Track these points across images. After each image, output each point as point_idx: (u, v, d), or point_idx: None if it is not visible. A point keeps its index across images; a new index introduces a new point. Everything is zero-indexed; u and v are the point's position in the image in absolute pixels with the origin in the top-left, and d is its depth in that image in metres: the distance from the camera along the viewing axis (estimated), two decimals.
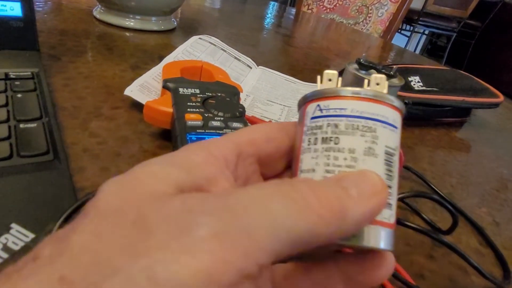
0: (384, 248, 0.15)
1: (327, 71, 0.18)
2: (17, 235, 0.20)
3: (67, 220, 0.20)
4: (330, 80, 0.18)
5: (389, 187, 0.15)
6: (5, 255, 0.19)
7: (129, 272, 0.10)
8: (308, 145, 0.16)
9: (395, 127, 0.16)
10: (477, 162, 0.48)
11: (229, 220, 0.11)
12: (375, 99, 0.16)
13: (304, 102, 0.18)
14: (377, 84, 0.17)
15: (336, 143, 0.15)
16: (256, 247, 0.11)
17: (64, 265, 0.10)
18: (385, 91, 0.17)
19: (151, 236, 0.11)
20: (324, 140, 0.16)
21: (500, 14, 3.05)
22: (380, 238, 0.15)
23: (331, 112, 0.16)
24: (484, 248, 0.32)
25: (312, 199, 0.13)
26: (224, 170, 0.15)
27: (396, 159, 0.16)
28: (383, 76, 0.17)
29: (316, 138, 0.16)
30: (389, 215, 0.15)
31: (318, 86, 0.18)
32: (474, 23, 3.19)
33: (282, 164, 0.18)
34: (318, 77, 0.19)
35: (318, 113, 0.16)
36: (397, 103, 0.17)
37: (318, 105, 0.17)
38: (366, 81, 0.18)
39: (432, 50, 3.93)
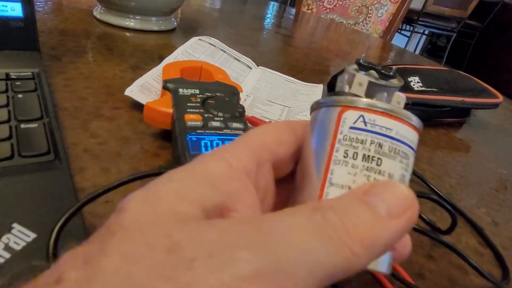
0: (386, 272, 0.15)
1: (359, 75, 0.17)
2: (19, 235, 0.20)
3: (67, 221, 0.20)
4: (360, 85, 0.17)
5: None
6: (7, 255, 0.19)
7: None
8: (345, 157, 0.15)
9: (415, 151, 0.16)
10: (476, 162, 0.48)
11: (269, 257, 0.11)
12: (414, 125, 0.16)
13: (340, 105, 0.16)
14: (398, 102, 0.17)
15: (378, 165, 0.15)
16: (293, 285, 0.11)
17: None
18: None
19: (191, 269, 0.10)
20: (366, 158, 0.15)
21: (500, 14, 3.05)
22: (385, 262, 0.15)
23: (377, 129, 0.15)
24: (483, 248, 0.32)
25: (345, 234, 0.12)
26: (246, 184, 0.15)
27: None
28: (404, 96, 0.17)
29: (356, 153, 0.15)
30: None
31: (345, 87, 0.17)
32: (474, 23, 3.19)
33: (290, 167, 0.18)
34: (345, 76, 0.17)
35: (361, 125, 0.15)
36: (422, 126, 0.16)
37: (362, 116, 0.15)
38: (384, 95, 0.17)
39: (432, 50, 3.93)
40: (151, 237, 0.11)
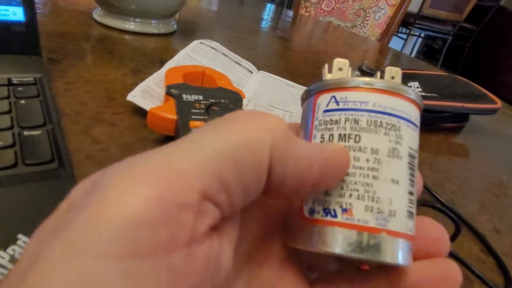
0: (403, 264, 0.14)
1: (338, 59, 0.16)
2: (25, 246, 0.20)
3: None
4: (340, 69, 0.16)
5: (411, 193, 0.14)
6: (13, 267, 0.19)
7: (47, 256, 0.10)
8: (321, 142, 0.14)
9: (417, 126, 0.15)
10: (476, 168, 0.48)
11: (144, 161, 0.11)
12: (399, 93, 0.14)
13: (314, 92, 0.15)
14: (392, 77, 0.15)
15: (356, 141, 0.14)
16: (180, 175, 0.11)
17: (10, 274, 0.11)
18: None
19: (67, 214, 0.11)
20: (342, 137, 0.14)
21: (496, 18, 3.08)
22: (399, 252, 0.13)
23: (350, 105, 0.14)
24: (486, 255, 0.32)
25: (245, 120, 0.13)
26: None
27: (417, 163, 0.15)
28: (398, 68, 0.15)
29: (331, 135, 0.14)
30: (411, 226, 0.14)
31: (326, 75, 0.16)
32: (470, 27, 3.21)
33: None
34: (326, 66, 0.17)
35: (333, 106, 0.14)
36: (418, 99, 0.15)
37: (334, 97, 0.15)
38: (378, 74, 0.16)
39: (427, 53, 3.95)
40: (60, 208, 0.13)
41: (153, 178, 0.11)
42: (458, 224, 0.29)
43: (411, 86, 0.56)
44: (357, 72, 0.43)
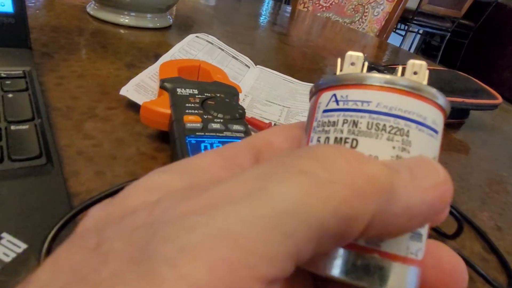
0: None
1: (351, 53, 0.14)
2: (9, 246, 0.19)
3: (60, 230, 0.19)
4: (353, 64, 0.14)
5: None
6: None
7: None
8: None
9: (435, 131, 0.13)
10: (476, 164, 0.48)
11: (204, 225, 0.09)
12: (412, 91, 0.12)
13: (317, 90, 0.14)
14: (415, 73, 0.13)
15: (353, 147, 0.12)
16: (248, 256, 0.08)
17: None
18: (425, 83, 0.13)
19: (104, 266, 0.09)
20: (338, 141, 0.12)
21: (494, 15, 3.07)
22: (392, 277, 0.11)
23: (350, 105, 0.12)
24: (488, 253, 0.32)
25: (342, 167, 0.10)
26: (233, 169, 0.13)
27: None
28: (424, 63, 0.13)
29: (327, 138, 0.13)
30: (417, 249, 0.12)
31: (337, 72, 0.14)
32: (468, 23, 3.21)
33: None
34: (339, 60, 0.14)
35: (333, 105, 0.13)
36: (441, 99, 0.13)
37: (334, 95, 0.13)
38: (399, 69, 0.14)
39: (426, 49, 3.95)
40: (83, 239, 0.10)
41: (216, 261, 0.08)
42: (461, 221, 0.29)
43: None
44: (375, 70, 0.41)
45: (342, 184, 0.09)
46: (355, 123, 0.12)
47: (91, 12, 0.62)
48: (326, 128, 0.13)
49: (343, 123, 0.12)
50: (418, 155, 0.12)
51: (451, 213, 0.30)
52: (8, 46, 0.36)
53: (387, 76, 0.12)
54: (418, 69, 0.13)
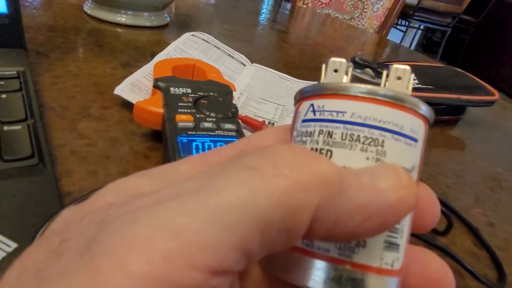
0: None
1: (333, 59, 0.14)
2: None
3: None
4: (336, 71, 0.14)
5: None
6: None
7: None
8: None
9: (414, 139, 0.12)
10: (471, 161, 0.48)
11: (147, 219, 0.09)
12: (387, 100, 0.12)
13: (299, 98, 0.14)
14: (398, 78, 0.13)
15: (327, 157, 0.12)
16: (189, 247, 0.09)
17: None
18: (409, 88, 0.13)
19: (57, 263, 0.09)
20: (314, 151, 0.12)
21: (495, 10, 3.05)
22: None
23: (326, 116, 0.12)
24: (479, 249, 0.32)
25: (287, 164, 0.10)
26: None
27: None
28: (407, 67, 0.13)
29: None
30: (393, 259, 0.12)
31: (322, 79, 0.14)
32: (469, 19, 3.19)
33: None
34: (323, 66, 0.14)
35: (310, 116, 0.13)
36: (421, 107, 0.12)
37: (312, 105, 0.13)
38: (384, 74, 0.13)
39: (427, 45, 3.93)
40: (47, 240, 0.10)
41: (153, 251, 0.09)
42: (450, 217, 0.29)
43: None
44: (350, 64, 0.41)
45: (286, 177, 0.10)
46: (329, 134, 0.12)
47: (88, 11, 0.62)
48: (304, 139, 0.13)
49: (319, 133, 0.12)
50: (384, 163, 0.12)
51: (441, 209, 0.30)
52: (2, 46, 0.36)
53: (362, 86, 0.12)
54: (402, 74, 0.13)
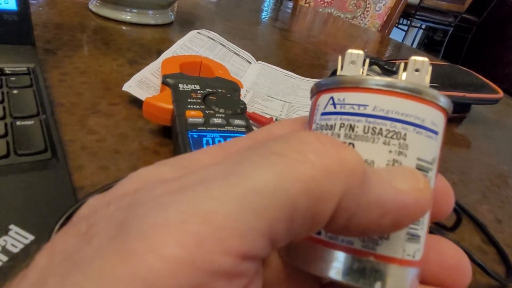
0: None
1: (350, 51, 0.14)
2: (16, 237, 0.19)
3: (67, 221, 0.20)
4: (353, 63, 0.14)
5: None
6: (4, 258, 0.19)
7: None
8: None
9: (435, 132, 0.12)
10: (477, 158, 0.48)
11: (178, 203, 0.09)
12: (409, 93, 0.12)
13: (316, 91, 0.14)
14: (417, 70, 0.13)
15: None
16: (218, 232, 0.09)
17: None
18: (427, 80, 0.13)
19: (88, 246, 0.09)
20: None
21: (497, 9, 3.05)
22: (389, 279, 0.12)
23: (347, 109, 0.12)
24: (487, 246, 0.32)
25: (313, 149, 0.10)
26: None
27: (432, 176, 0.13)
28: (426, 59, 0.13)
29: None
30: (414, 250, 0.12)
31: (338, 71, 0.14)
32: (471, 18, 3.19)
33: None
34: (339, 58, 0.14)
35: (330, 109, 0.13)
36: (441, 99, 0.12)
37: (332, 98, 0.13)
38: (401, 65, 0.13)
39: (428, 45, 3.93)
40: (75, 226, 0.11)
41: (185, 235, 0.09)
42: (459, 213, 0.29)
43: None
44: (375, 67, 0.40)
45: (312, 164, 0.10)
46: (351, 127, 0.12)
47: (93, 9, 0.63)
48: (324, 132, 0.13)
49: (340, 127, 0.12)
50: (402, 165, 0.12)
51: None
52: (12, 43, 0.36)
53: (384, 79, 0.12)
54: (420, 66, 0.13)
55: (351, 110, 0.12)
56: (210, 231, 0.09)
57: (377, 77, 0.12)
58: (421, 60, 0.13)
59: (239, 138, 0.15)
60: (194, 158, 0.14)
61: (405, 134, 0.12)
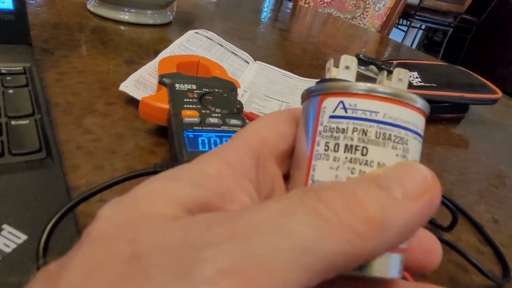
0: (393, 277, 0.13)
1: (345, 56, 0.15)
2: (9, 237, 0.19)
3: (58, 222, 0.19)
4: (347, 67, 0.15)
5: None
6: None
7: None
8: (326, 150, 0.13)
9: (422, 137, 0.14)
10: (475, 158, 0.48)
11: (240, 251, 0.10)
12: (411, 104, 0.13)
13: (319, 93, 0.14)
14: (399, 80, 0.15)
15: (363, 154, 0.13)
16: (273, 281, 0.09)
17: None
18: (405, 87, 0.15)
19: (148, 278, 0.09)
20: (349, 148, 0.13)
21: (497, 10, 3.05)
22: (390, 266, 0.13)
23: (359, 114, 0.13)
24: (484, 246, 0.32)
25: (345, 211, 0.11)
26: (241, 180, 0.13)
27: None
28: (406, 70, 0.15)
29: (337, 144, 0.13)
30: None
31: (332, 73, 0.15)
32: (471, 18, 3.19)
33: None
34: (331, 61, 0.16)
35: (341, 112, 0.14)
36: (426, 108, 0.14)
37: (342, 102, 0.14)
38: (384, 74, 0.15)
39: (428, 45, 3.93)
40: (113, 247, 0.10)
41: (247, 281, 0.09)
42: (455, 213, 0.29)
43: (410, 76, 0.55)
44: (370, 70, 0.42)
45: (347, 227, 0.10)
46: (364, 132, 0.13)
47: (91, 9, 0.63)
48: (335, 134, 0.13)
49: (353, 131, 0.13)
50: (406, 160, 0.13)
51: (446, 205, 0.30)
52: (9, 42, 0.36)
53: (393, 88, 0.13)
54: (403, 76, 0.15)
55: (363, 116, 0.13)
56: (266, 280, 0.09)
57: (385, 86, 0.13)
58: (403, 71, 0.15)
59: (233, 144, 0.15)
60: (205, 174, 0.13)
61: (407, 140, 0.13)
